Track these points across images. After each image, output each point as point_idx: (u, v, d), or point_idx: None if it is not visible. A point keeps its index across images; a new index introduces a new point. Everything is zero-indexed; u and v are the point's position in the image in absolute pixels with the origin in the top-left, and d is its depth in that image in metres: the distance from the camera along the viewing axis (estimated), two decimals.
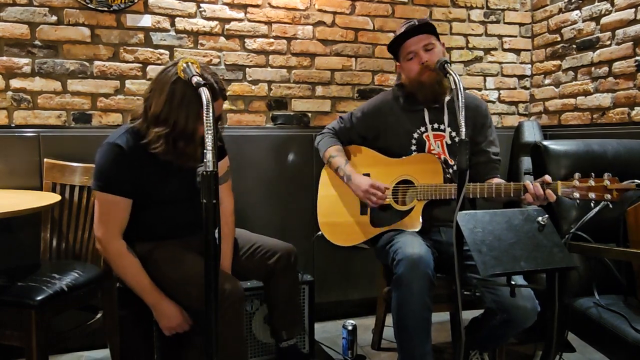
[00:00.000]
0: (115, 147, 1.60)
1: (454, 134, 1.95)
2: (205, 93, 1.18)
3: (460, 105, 1.39)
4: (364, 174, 2.01)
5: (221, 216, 1.80)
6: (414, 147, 1.96)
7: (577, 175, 1.57)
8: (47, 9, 2.27)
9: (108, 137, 1.64)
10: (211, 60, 2.53)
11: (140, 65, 2.42)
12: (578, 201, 1.57)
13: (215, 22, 2.52)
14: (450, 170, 1.92)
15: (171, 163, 1.62)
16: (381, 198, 1.88)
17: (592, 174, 1.56)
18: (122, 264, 1.63)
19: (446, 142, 1.95)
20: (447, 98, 1.96)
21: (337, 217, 2.03)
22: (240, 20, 2.56)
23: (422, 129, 1.97)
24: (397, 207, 1.92)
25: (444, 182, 1.83)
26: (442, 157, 1.94)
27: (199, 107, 1.50)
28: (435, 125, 1.96)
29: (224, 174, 1.85)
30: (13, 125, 2.27)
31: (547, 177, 1.62)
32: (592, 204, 1.57)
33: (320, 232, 2.08)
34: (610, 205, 1.54)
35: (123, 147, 1.60)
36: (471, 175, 1.95)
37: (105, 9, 2.33)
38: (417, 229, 1.83)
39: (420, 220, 1.84)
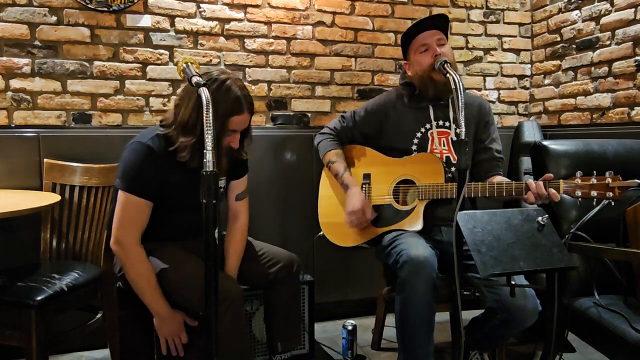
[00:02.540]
0: (148, 148, 1.58)
1: (458, 130, 1.95)
2: (205, 93, 1.18)
3: (460, 105, 1.38)
4: (365, 174, 2.01)
5: (236, 232, 1.82)
6: (414, 147, 1.96)
7: (578, 173, 1.58)
8: (47, 9, 2.27)
9: (137, 136, 1.64)
10: (211, 60, 2.53)
11: (140, 65, 2.42)
12: (580, 199, 1.57)
13: (215, 22, 2.52)
14: (453, 169, 1.91)
15: (196, 174, 1.61)
16: (358, 225, 1.93)
17: (594, 172, 1.56)
18: (140, 271, 1.61)
19: (451, 138, 1.94)
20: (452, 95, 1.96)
21: (337, 217, 2.03)
22: (240, 20, 2.56)
23: (427, 126, 1.96)
24: (398, 207, 1.92)
25: (446, 181, 1.83)
26: (445, 155, 1.94)
27: (224, 118, 1.53)
28: (441, 122, 1.96)
29: (243, 191, 1.85)
30: (13, 125, 2.27)
31: (550, 175, 1.62)
32: (594, 202, 1.56)
33: (321, 233, 2.08)
34: (612, 203, 1.54)
35: (155, 149, 1.58)
36: (474, 172, 1.98)
37: (105, 9, 2.33)
38: (418, 229, 1.83)
39: (422, 220, 1.83)
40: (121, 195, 1.61)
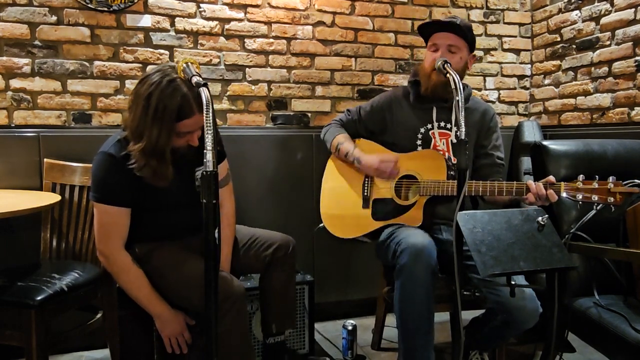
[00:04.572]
0: (108, 156, 1.57)
1: (458, 132, 1.96)
2: (205, 93, 1.18)
3: (460, 105, 1.39)
4: None
5: (223, 219, 1.80)
6: (419, 142, 1.98)
7: (581, 177, 1.58)
8: (47, 9, 2.27)
9: (103, 144, 1.62)
10: (211, 60, 2.53)
11: (140, 65, 2.42)
12: (580, 203, 1.57)
13: (215, 22, 2.52)
14: (453, 169, 1.92)
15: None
16: (395, 168, 1.90)
17: (596, 176, 1.56)
18: (129, 278, 1.62)
19: (451, 140, 1.96)
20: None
21: (339, 209, 2.04)
22: (240, 20, 2.56)
23: (429, 125, 1.99)
24: (399, 202, 1.93)
25: (447, 178, 1.83)
26: (446, 154, 1.96)
27: (171, 123, 1.49)
28: (442, 124, 1.98)
29: (224, 177, 1.84)
30: (13, 125, 2.27)
31: (552, 178, 1.63)
32: (594, 207, 1.57)
33: (322, 224, 2.08)
34: (613, 209, 1.55)
35: (115, 156, 1.56)
36: (474, 177, 1.99)
37: (105, 9, 2.33)
38: (418, 224, 1.83)
39: (422, 215, 1.84)
40: (95, 207, 1.61)
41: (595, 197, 1.54)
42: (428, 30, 1.94)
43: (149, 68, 2.43)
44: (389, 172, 1.91)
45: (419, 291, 1.64)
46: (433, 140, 1.98)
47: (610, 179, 1.53)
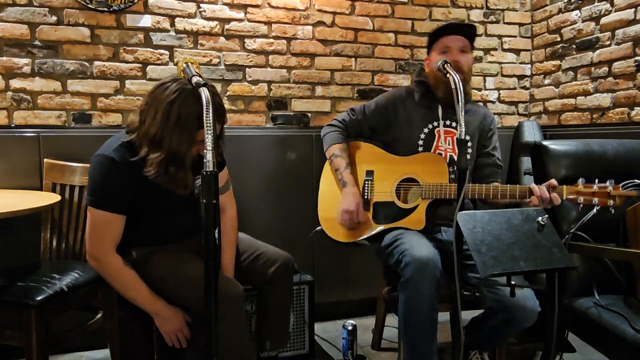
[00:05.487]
0: (109, 160, 1.52)
1: (460, 132, 1.97)
2: (205, 93, 1.18)
3: (460, 105, 1.39)
4: (368, 171, 2.02)
5: (225, 223, 1.80)
6: (421, 142, 1.98)
7: (581, 180, 1.61)
8: (47, 9, 2.27)
9: (102, 146, 1.58)
10: (211, 60, 2.53)
11: (140, 65, 2.42)
12: (582, 206, 1.60)
13: (215, 22, 2.52)
14: (455, 168, 1.92)
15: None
16: (349, 225, 1.93)
17: (596, 179, 1.59)
18: (122, 280, 1.61)
19: (457, 138, 1.96)
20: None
21: (338, 212, 2.03)
22: (240, 20, 2.56)
23: (435, 123, 1.99)
24: (401, 205, 1.92)
25: (449, 182, 1.84)
26: (449, 154, 1.96)
27: (193, 131, 1.48)
28: (448, 122, 1.99)
29: (224, 184, 1.84)
30: (13, 125, 2.27)
31: (554, 181, 1.65)
32: (594, 210, 1.60)
33: (320, 227, 2.07)
34: (613, 211, 1.57)
35: (118, 161, 1.52)
36: (474, 176, 1.99)
37: (105, 9, 2.33)
38: (420, 228, 1.83)
39: (424, 218, 1.84)
40: (89, 211, 1.58)
41: (595, 200, 1.58)
42: (437, 35, 1.93)
43: (150, 68, 2.43)
44: (347, 223, 1.93)
45: (424, 304, 1.63)
46: (437, 138, 1.97)
47: (609, 182, 1.57)
